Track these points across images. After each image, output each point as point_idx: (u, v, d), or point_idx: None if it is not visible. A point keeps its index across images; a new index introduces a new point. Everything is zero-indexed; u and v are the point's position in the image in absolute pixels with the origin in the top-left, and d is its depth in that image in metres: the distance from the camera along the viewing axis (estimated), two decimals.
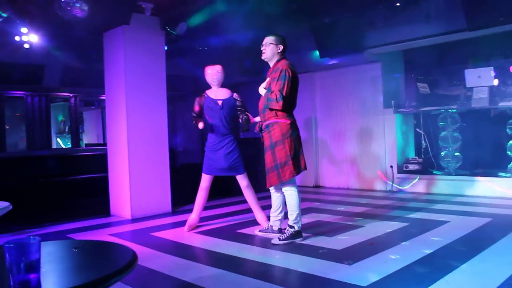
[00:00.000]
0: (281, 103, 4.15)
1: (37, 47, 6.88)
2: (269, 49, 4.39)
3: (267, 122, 4.35)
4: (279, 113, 4.26)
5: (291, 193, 4.34)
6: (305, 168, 4.40)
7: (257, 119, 4.81)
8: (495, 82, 6.65)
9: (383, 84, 7.81)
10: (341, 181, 8.47)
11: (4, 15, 5.32)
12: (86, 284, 1.40)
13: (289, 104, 4.26)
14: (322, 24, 7.25)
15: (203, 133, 5.26)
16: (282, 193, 4.44)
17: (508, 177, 6.51)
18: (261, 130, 4.45)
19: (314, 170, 8.72)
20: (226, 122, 4.93)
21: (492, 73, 6.59)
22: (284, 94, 4.15)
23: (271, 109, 4.27)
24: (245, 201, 5.30)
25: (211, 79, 4.98)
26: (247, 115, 4.93)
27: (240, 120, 4.96)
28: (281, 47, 4.39)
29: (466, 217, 5.17)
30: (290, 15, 6.62)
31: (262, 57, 4.45)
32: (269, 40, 4.39)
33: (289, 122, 4.28)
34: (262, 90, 4.41)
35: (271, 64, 4.43)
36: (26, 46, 6.78)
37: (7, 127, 9.46)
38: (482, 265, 3.36)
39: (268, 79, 4.38)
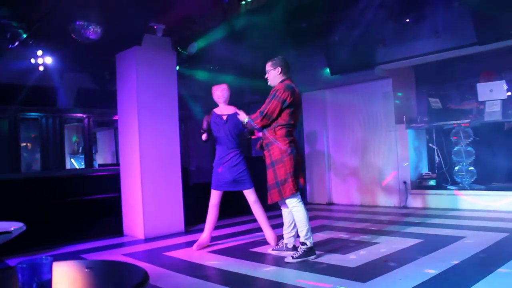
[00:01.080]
0: (258, 121, 4.32)
1: (51, 69, 7.01)
2: (270, 76, 4.52)
3: (266, 141, 4.43)
4: (277, 132, 4.34)
5: (297, 209, 4.35)
6: (304, 185, 4.49)
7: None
8: (508, 95, 6.61)
9: (394, 100, 7.80)
10: (354, 198, 8.41)
11: (24, 35, 5.45)
12: None
13: (287, 122, 4.33)
14: (332, 41, 7.28)
15: (214, 151, 5.31)
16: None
17: None
18: (261, 148, 4.54)
19: (326, 187, 8.68)
20: (231, 137, 5.04)
21: (505, 86, 6.55)
22: (265, 112, 4.28)
23: (267, 128, 4.37)
24: (256, 219, 5.28)
25: (218, 97, 5.16)
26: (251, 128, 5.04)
27: (245, 130, 5.05)
28: (279, 69, 4.46)
29: (482, 232, 5.09)
30: (300, 33, 6.67)
31: (269, 84, 4.55)
32: (267, 67, 4.52)
33: (287, 141, 4.34)
34: (242, 116, 4.59)
35: None
36: (41, 68, 6.91)
37: (29, 147, 9.61)
38: (500, 281, 3.30)
39: None
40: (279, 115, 4.30)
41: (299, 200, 4.39)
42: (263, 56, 6.80)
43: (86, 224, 6.42)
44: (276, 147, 4.33)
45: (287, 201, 4.37)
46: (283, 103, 4.26)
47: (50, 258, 1.39)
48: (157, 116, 6.22)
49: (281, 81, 4.42)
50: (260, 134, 4.92)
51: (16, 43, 5.66)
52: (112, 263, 2.37)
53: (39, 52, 6.64)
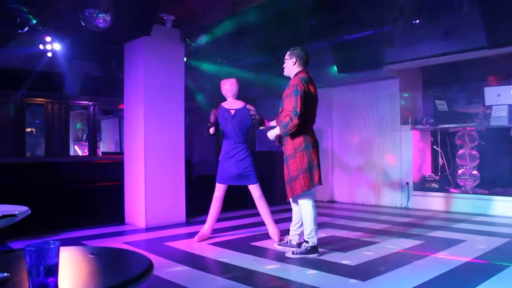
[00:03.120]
0: (296, 120, 4.08)
1: (59, 55, 7.02)
2: (286, 66, 4.43)
3: (284, 137, 4.36)
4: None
5: (306, 208, 4.31)
6: (320, 183, 4.32)
7: (273, 123, 4.89)
8: None
9: (401, 100, 7.78)
10: (356, 197, 8.42)
11: (34, 21, 5.45)
12: None
13: (304, 118, 4.19)
14: (341, 39, 7.27)
15: (219, 144, 5.33)
16: None
17: None
18: (280, 142, 4.50)
19: (329, 185, 8.69)
20: (238, 131, 5.03)
21: None
22: (298, 110, 4.09)
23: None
24: (260, 214, 5.29)
25: (226, 91, 5.14)
26: (261, 118, 5.10)
27: (256, 120, 5.07)
28: (294, 60, 4.36)
29: (483, 236, 5.09)
30: (308, 30, 6.66)
31: (284, 74, 4.48)
32: (287, 56, 4.42)
33: (303, 136, 4.24)
34: (271, 132, 4.46)
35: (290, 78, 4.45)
36: (49, 54, 6.93)
37: (33, 133, 9.64)
38: (499, 286, 3.31)
39: (283, 95, 4.37)
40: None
41: (310, 198, 4.34)
42: (270, 52, 6.84)
43: (88, 211, 6.45)
44: (290, 142, 4.28)
45: (298, 198, 4.36)
46: (304, 97, 4.15)
47: (57, 243, 1.40)
48: (163, 107, 6.24)
49: (296, 74, 4.36)
50: (271, 124, 4.97)
51: (26, 29, 5.67)
52: (116, 251, 2.39)
53: (48, 38, 6.64)
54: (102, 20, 5.39)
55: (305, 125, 4.26)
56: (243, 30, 6.50)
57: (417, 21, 6.40)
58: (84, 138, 11.29)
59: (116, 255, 2.06)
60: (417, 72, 8.08)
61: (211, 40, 6.59)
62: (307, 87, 4.21)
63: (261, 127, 5.17)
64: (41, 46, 6.73)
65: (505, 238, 4.96)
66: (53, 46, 6.75)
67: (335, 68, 7.94)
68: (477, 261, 4.06)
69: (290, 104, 4.14)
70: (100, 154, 10.68)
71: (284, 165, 4.39)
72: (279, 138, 4.46)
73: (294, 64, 4.37)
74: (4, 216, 2.21)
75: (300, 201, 4.35)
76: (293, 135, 4.25)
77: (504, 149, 7.10)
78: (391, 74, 7.70)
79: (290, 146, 4.28)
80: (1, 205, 2.48)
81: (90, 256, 1.92)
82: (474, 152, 7.21)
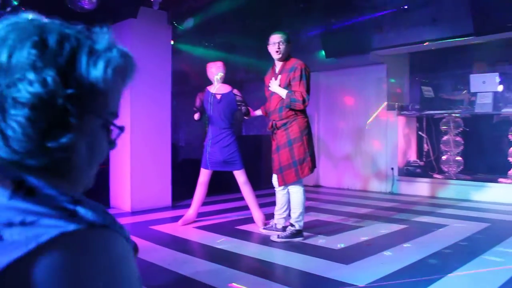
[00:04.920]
0: (307, 104, 4.24)
1: None
2: (284, 48, 4.36)
3: (284, 121, 4.33)
4: (297, 111, 4.29)
5: (297, 191, 4.35)
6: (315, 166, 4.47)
7: (258, 112, 4.86)
8: (500, 88, 6.65)
9: (388, 86, 7.81)
10: (342, 181, 8.48)
11: (16, 2, 5.33)
12: None
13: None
14: (329, 23, 7.24)
15: (205, 128, 5.31)
16: (288, 191, 4.45)
17: (509, 183, 6.52)
18: (274, 128, 4.42)
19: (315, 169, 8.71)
20: (224, 116, 4.98)
21: (497, 79, 6.58)
22: (307, 94, 4.23)
23: (292, 109, 4.27)
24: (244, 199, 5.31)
25: (212, 74, 5.08)
26: (247, 108, 4.99)
27: (241, 110, 5.01)
28: (289, 45, 4.40)
29: (465, 221, 5.17)
30: (297, 13, 6.63)
31: (277, 56, 4.39)
32: (281, 38, 4.35)
33: (306, 119, 4.36)
34: (279, 88, 4.33)
35: (281, 62, 4.41)
36: None
37: None
38: (479, 270, 3.37)
39: (280, 76, 4.36)
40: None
41: (302, 183, 4.40)
42: (258, 35, 6.79)
43: None
44: (295, 125, 4.28)
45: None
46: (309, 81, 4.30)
47: None
48: (149, 90, 6.17)
49: (287, 58, 4.39)
50: (256, 113, 4.94)
51: (8, 9, 5.54)
52: None
53: None
54: (88, 1, 5.30)
55: (306, 107, 4.37)
56: (230, 13, 6.43)
57: (406, 6, 6.40)
58: None
59: None
60: (404, 58, 8.09)
61: (199, 23, 6.52)
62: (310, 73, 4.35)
63: (246, 117, 5.10)
64: None
65: (486, 223, 5.04)
66: None
67: (323, 52, 7.92)
68: (459, 245, 4.13)
69: (302, 87, 4.23)
70: None
71: (284, 149, 4.31)
72: (272, 124, 4.44)
73: (289, 49, 4.40)
74: None
75: (292, 186, 4.37)
76: (299, 119, 4.30)
77: (487, 136, 7.19)
78: (379, 60, 7.70)
79: (297, 129, 4.28)
80: None
81: None
82: (458, 139, 7.29)
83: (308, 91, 4.25)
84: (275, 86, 4.37)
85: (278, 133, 4.38)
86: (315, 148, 8.35)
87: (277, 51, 4.35)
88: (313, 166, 4.35)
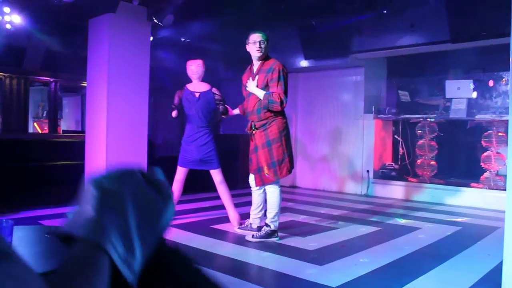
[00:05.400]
0: (285, 105, 4.24)
1: (19, 29, 6.75)
2: (265, 47, 4.35)
3: (263, 122, 4.33)
4: (276, 112, 4.30)
5: (274, 191, 4.36)
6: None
7: (236, 111, 4.86)
8: (474, 94, 6.79)
9: (365, 90, 7.89)
10: (317, 183, 8.53)
11: None
12: (54, 270, 1.39)
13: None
14: (309, 25, 7.28)
15: (183, 126, 5.26)
16: (264, 191, 4.45)
17: (480, 187, 6.66)
18: (253, 129, 4.41)
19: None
20: (202, 115, 4.96)
21: (472, 86, 6.72)
22: (287, 97, 4.25)
23: (270, 110, 4.27)
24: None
25: (192, 72, 5.04)
26: (225, 107, 4.97)
27: (219, 109, 4.99)
28: (268, 45, 4.40)
29: (437, 224, 5.27)
30: (277, 14, 6.64)
31: (258, 55, 4.35)
32: (262, 37, 4.34)
33: (285, 120, 4.37)
34: (256, 89, 4.33)
35: (259, 61, 4.40)
36: (8, 26, 6.65)
37: None
38: (449, 272, 3.44)
39: (257, 76, 4.35)
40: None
41: (279, 183, 4.42)
42: (238, 34, 6.76)
43: (47, 191, 6.29)
44: (275, 125, 4.29)
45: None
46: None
47: (11, 221, 1.37)
48: (127, 86, 6.11)
49: (266, 58, 4.38)
50: (234, 112, 4.92)
51: None
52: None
53: (7, 9, 6.38)
54: None
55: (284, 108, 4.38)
56: (210, 11, 6.41)
57: (385, 11, 6.48)
58: (44, 115, 10.95)
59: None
60: (382, 62, 8.20)
61: (178, 20, 6.48)
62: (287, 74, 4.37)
63: (224, 116, 5.08)
64: None
65: (457, 226, 5.15)
66: (12, 18, 6.48)
67: (302, 54, 7.96)
68: (430, 247, 4.20)
69: (280, 88, 4.22)
70: (61, 132, 10.40)
71: (263, 150, 4.31)
72: (251, 125, 4.44)
73: (267, 48, 4.40)
74: None
75: (269, 186, 4.37)
76: (279, 120, 4.31)
77: (461, 141, 7.34)
78: (357, 63, 7.78)
79: (276, 130, 4.28)
80: None
81: (46, 236, 1.88)
82: (433, 143, 7.41)
83: (285, 92, 4.25)
84: (252, 86, 4.36)
85: (257, 134, 4.37)
86: (292, 148, 8.43)
87: (258, 50, 4.32)
88: (291, 167, 4.37)
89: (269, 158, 4.28)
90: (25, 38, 7.59)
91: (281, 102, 4.18)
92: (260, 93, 4.29)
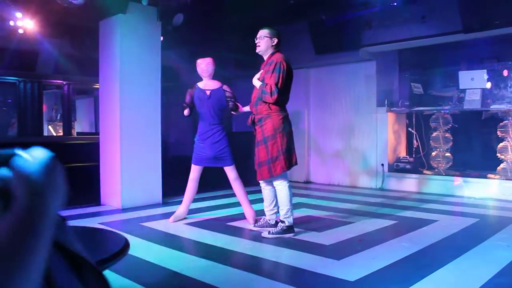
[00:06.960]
0: (275, 96, 4.15)
1: (31, 33, 6.83)
2: (264, 42, 4.38)
3: (259, 116, 4.36)
4: (272, 107, 4.27)
5: (282, 188, 4.34)
6: (296, 163, 4.45)
7: (246, 108, 4.86)
8: (488, 85, 6.71)
9: (377, 83, 7.84)
10: (332, 178, 8.51)
11: None
12: None
13: (282, 97, 4.27)
14: (319, 20, 7.25)
15: (196, 125, 5.27)
16: (274, 186, 4.46)
17: (497, 179, 6.58)
18: (253, 123, 4.45)
19: (305, 165, 8.74)
20: (214, 112, 4.96)
21: (486, 76, 6.64)
22: (279, 87, 4.17)
23: (264, 102, 4.28)
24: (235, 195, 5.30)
25: (202, 71, 5.05)
26: (235, 103, 4.99)
27: (229, 105, 5.00)
28: (276, 40, 4.38)
29: (454, 217, 5.22)
30: (287, 10, 6.62)
31: (257, 50, 4.44)
32: (263, 33, 4.38)
33: (281, 116, 4.30)
34: (256, 81, 4.40)
35: (265, 57, 4.43)
36: (21, 31, 6.73)
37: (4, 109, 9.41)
38: (468, 264, 3.41)
39: (261, 71, 4.39)
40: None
41: (286, 179, 4.39)
42: (248, 31, 6.77)
43: None
44: (269, 122, 4.28)
45: (275, 179, 4.37)
46: (286, 75, 4.25)
47: None
48: (139, 87, 6.14)
49: (272, 53, 4.37)
50: (245, 109, 4.93)
51: None
52: (91, 230, 2.37)
53: (19, 15, 6.45)
54: None
55: (284, 105, 4.36)
56: (221, 9, 6.41)
57: (395, 3, 6.43)
58: (58, 118, 11.06)
59: (91, 234, 2.05)
60: (393, 55, 8.14)
61: (188, 20, 6.49)
62: (289, 67, 4.31)
63: (233, 112, 5.09)
64: (11, 23, 6.53)
65: (475, 218, 5.09)
66: (24, 23, 6.56)
67: (313, 49, 7.93)
68: (448, 240, 4.17)
69: (272, 79, 4.19)
70: (75, 135, 10.50)
71: (261, 146, 4.35)
72: (252, 119, 4.46)
73: (274, 44, 4.39)
74: None
75: (276, 182, 4.37)
76: (274, 116, 4.28)
77: (476, 132, 7.26)
78: (368, 57, 7.74)
79: (270, 127, 4.27)
80: None
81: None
82: (447, 135, 7.35)
83: (277, 84, 4.18)
84: (254, 79, 4.43)
85: (257, 129, 4.43)
86: (305, 144, 8.42)
87: (257, 45, 4.42)
88: (288, 164, 4.31)
89: (266, 155, 4.31)
90: (38, 43, 7.67)
91: (271, 93, 4.16)
92: (258, 85, 4.35)
